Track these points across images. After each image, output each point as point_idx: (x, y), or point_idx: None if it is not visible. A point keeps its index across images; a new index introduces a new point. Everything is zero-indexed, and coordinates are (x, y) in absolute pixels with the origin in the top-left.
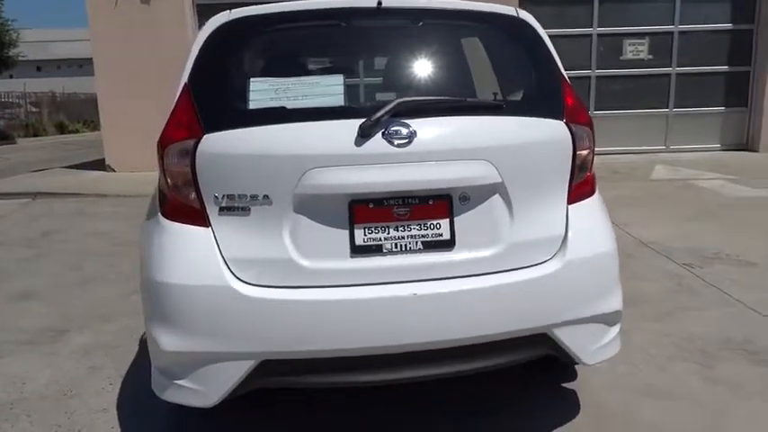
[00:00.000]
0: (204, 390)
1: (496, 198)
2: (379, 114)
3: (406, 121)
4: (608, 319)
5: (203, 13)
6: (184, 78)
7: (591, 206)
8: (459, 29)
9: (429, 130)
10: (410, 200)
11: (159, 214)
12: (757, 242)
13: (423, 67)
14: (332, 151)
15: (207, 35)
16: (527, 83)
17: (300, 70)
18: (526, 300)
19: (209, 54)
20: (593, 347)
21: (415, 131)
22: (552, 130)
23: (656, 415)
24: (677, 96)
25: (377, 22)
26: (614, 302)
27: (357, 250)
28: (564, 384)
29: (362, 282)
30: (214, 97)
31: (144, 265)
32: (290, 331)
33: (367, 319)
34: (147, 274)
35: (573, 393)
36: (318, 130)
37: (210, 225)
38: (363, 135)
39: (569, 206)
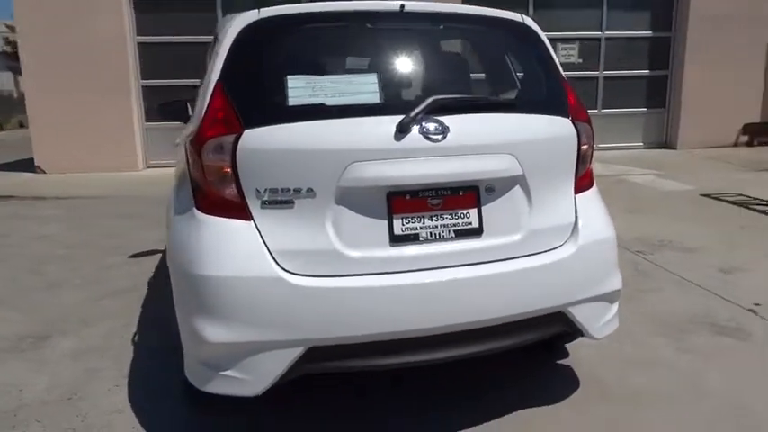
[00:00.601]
0: (251, 378)
1: (517, 189)
2: (417, 111)
3: (438, 117)
4: (611, 298)
5: (140, 4)
6: (215, 76)
7: (592, 196)
8: (472, 32)
9: (460, 126)
10: (443, 191)
11: (194, 209)
12: (693, 230)
13: (443, 67)
14: (373, 146)
15: (237, 33)
16: (536, 83)
17: (330, 69)
18: (546, 281)
19: (242, 52)
20: (599, 323)
21: (448, 127)
22: (561, 127)
23: (646, 381)
24: (605, 98)
25: (399, 24)
26: (616, 282)
27: (396, 239)
28: (560, 361)
29: (402, 269)
30: (251, 94)
31: (181, 260)
32: (336, 318)
33: (407, 303)
34: (187, 269)
35: (570, 369)
36: (359, 126)
37: (253, 218)
38: (402, 131)
39: (576, 196)
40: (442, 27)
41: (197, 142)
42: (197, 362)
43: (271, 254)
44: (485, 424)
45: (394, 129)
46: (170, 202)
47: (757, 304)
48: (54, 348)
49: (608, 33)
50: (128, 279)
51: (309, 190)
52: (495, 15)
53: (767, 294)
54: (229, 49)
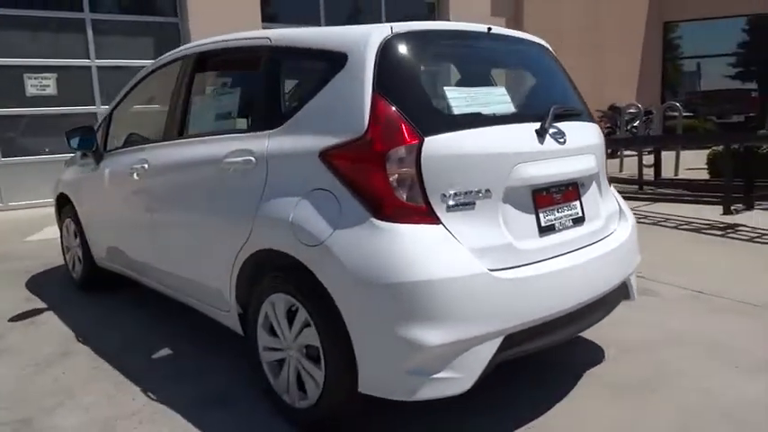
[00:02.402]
0: (462, 376)
1: (594, 184)
2: (549, 119)
3: (556, 124)
4: (637, 269)
5: None
6: (368, 89)
7: (614, 190)
8: (530, 51)
9: (569, 131)
10: (562, 186)
11: (374, 220)
12: None
13: (541, 78)
14: (528, 149)
15: (378, 47)
16: (575, 94)
17: (458, 80)
18: (621, 257)
19: (390, 64)
20: (635, 289)
21: (564, 132)
22: (599, 131)
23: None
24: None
25: (489, 42)
26: (639, 257)
27: (542, 230)
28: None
29: (551, 255)
30: (417, 104)
31: (376, 271)
32: (524, 305)
33: (566, 284)
34: (389, 279)
35: (590, 342)
36: (514, 131)
37: (441, 221)
38: (541, 135)
39: (611, 188)
40: (523, 47)
41: (372, 152)
42: (404, 373)
43: (469, 253)
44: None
45: (535, 134)
46: (297, 224)
47: None
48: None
49: (99, 62)
50: None
51: (487, 191)
52: (532, 39)
53: None
54: (375, 61)
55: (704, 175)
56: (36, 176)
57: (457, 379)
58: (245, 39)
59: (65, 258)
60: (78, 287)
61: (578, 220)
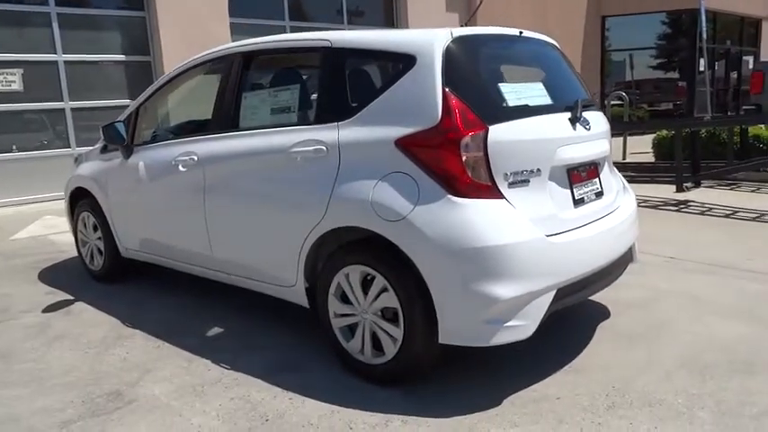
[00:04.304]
0: (527, 323)
1: (607, 163)
2: (579, 109)
3: (582, 113)
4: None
5: None
6: (438, 85)
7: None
8: (549, 50)
9: (591, 118)
10: (587, 166)
11: (449, 196)
12: None
13: (553, 73)
14: (566, 135)
15: (442, 49)
16: (583, 86)
17: (505, 76)
18: (629, 225)
19: (454, 63)
20: (637, 252)
21: (588, 120)
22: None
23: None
24: (78, 133)
25: (521, 44)
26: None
27: (576, 202)
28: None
29: (582, 224)
30: (479, 97)
31: (455, 239)
32: (570, 263)
33: (596, 247)
34: (466, 245)
35: (596, 302)
36: (555, 120)
37: (504, 196)
38: (573, 123)
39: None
40: (544, 47)
41: (446, 140)
42: (482, 323)
43: (529, 222)
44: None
45: (568, 122)
46: (378, 203)
47: None
48: None
49: (66, 57)
50: None
51: (538, 170)
52: (551, 40)
53: None
54: (442, 61)
55: (650, 158)
56: (4, 175)
57: (523, 326)
58: (302, 40)
59: (79, 252)
60: (98, 279)
61: (599, 194)
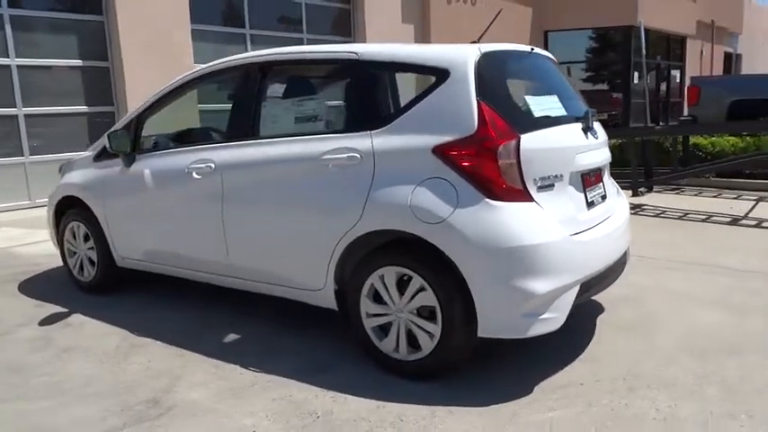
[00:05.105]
0: (558, 315)
1: (606, 170)
2: (590, 119)
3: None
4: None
5: None
6: (473, 97)
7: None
8: (552, 65)
9: (596, 128)
10: (594, 171)
11: (486, 200)
12: None
13: (561, 87)
14: (581, 142)
15: (474, 63)
16: (581, 98)
17: (525, 89)
18: (627, 226)
19: (485, 77)
20: (629, 253)
21: (596, 130)
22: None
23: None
24: (32, 141)
25: (533, 59)
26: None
27: (588, 204)
28: None
29: (594, 224)
30: (509, 108)
31: (493, 238)
32: (590, 259)
33: (608, 245)
34: (508, 244)
35: (592, 300)
36: (572, 129)
37: (534, 200)
38: (585, 132)
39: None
40: (549, 62)
41: (481, 147)
42: (519, 316)
43: (557, 222)
44: None
45: (581, 131)
46: (417, 206)
47: None
48: None
49: (20, 61)
50: None
51: (561, 175)
52: (550, 55)
53: None
54: (474, 75)
55: None
56: None
57: (555, 318)
58: (327, 52)
59: (66, 263)
60: (87, 290)
61: (603, 198)
